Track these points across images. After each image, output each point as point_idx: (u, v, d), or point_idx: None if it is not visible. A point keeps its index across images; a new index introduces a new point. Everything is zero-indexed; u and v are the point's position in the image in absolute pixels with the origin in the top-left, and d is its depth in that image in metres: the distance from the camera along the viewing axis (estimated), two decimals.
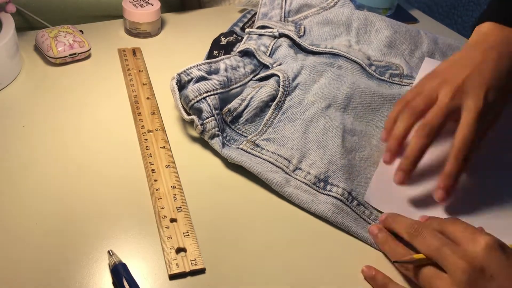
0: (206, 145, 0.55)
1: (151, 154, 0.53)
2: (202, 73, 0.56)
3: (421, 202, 0.50)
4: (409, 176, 0.49)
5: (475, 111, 0.48)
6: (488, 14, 0.58)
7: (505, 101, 0.52)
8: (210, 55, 0.67)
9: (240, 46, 0.66)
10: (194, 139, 0.57)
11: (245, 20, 0.76)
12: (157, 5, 0.73)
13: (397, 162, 0.52)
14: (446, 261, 0.40)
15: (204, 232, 0.46)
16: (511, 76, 0.51)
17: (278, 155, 0.53)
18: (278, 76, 0.59)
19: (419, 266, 0.42)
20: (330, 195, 0.50)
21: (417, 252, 0.43)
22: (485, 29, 0.55)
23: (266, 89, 0.58)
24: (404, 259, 0.43)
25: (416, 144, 0.49)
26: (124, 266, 0.41)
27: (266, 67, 0.64)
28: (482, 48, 0.53)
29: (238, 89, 0.60)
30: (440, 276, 0.40)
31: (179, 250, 0.44)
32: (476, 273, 0.38)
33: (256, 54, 0.64)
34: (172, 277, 0.42)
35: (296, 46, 0.68)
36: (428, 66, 0.67)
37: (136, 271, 0.42)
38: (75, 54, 0.65)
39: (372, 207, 0.50)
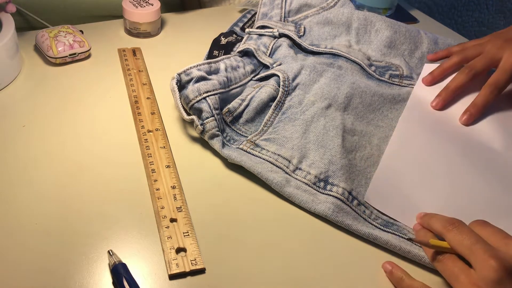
0: (206, 145, 0.55)
1: (151, 154, 0.53)
2: (202, 73, 0.56)
3: (422, 203, 0.50)
4: (445, 104, 0.60)
5: (510, 60, 0.56)
6: None
7: None
8: (210, 55, 0.67)
9: (240, 46, 0.66)
10: (194, 139, 0.57)
11: (245, 20, 0.76)
12: (157, 5, 0.73)
13: (400, 162, 0.53)
14: (476, 257, 0.40)
15: (204, 232, 0.46)
16: None
17: (278, 155, 0.53)
18: (278, 76, 0.59)
19: (441, 253, 0.43)
20: (330, 195, 0.50)
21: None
22: None
23: (266, 89, 0.58)
24: (421, 241, 0.43)
25: (458, 79, 0.60)
26: (124, 266, 0.41)
27: (266, 67, 0.64)
28: None
29: (238, 89, 0.60)
30: (466, 272, 0.40)
31: (179, 250, 0.44)
32: (505, 274, 0.38)
33: (256, 54, 0.64)
34: (172, 277, 0.42)
35: (296, 46, 0.68)
36: (428, 71, 0.66)
37: (136, 271, 0.42)
38: (75, 54, 0.65)
39: (373, 207, 0.50)
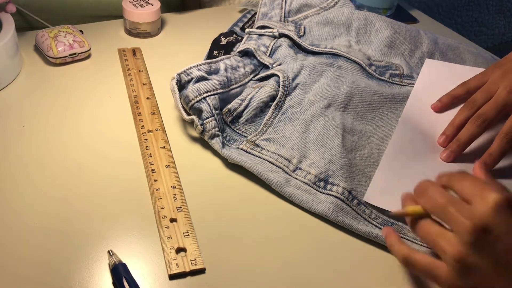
0: (206, 145, 0.55)
1: (151, 154, 0.53)
2: (202, 73, 0.56)
3: None
4: (455, 156, 0.54)
5: None
6: None
7: None
8: (210, 55, 0.67)
9: (240, 46, 0.66)
10: (194, 139, 0.57)
11: (245, 20, 0.76)
12: (157, 5, 0.73)
13: (401, 161, 0.53)
14: (451, 221, 0.38)
15: (204, 232, 0.46)
16: None
17: (278, 155, 0.53)
18: (278, 76, 0.59)
19: (421, 220, 0.41)
20: (330, 195, 0.50)
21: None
22: None
23: (266, 89, 0.58)
24: (398, 211, 0.43)
25: (468, 131, 0.54)
26: (124, 266, 0.41)
27: (266, 67, 0.64)
28: None
29: (238, 89, 0.60)
30: (445, 236, 0.39)
31: (179, 250, 0.44)
32: (482, 233, 0.36)
33: (256, 54, 0.64)
34: (172, 277, 0.42)
35: (296, 46, 0.68)
36: (429, 67, 0.67)
37: (136, 271, 0.42)
38: (75, 54, 0.65)
39: (372, 206, 0.50)
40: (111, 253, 0.42)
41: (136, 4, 0.72)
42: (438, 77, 0.64)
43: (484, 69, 0.59)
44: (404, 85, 0.65)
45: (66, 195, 0.48)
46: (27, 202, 0.47)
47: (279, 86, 0.58)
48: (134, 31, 0.73)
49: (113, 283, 0.41)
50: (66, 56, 0.65)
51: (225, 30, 0.74)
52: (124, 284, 0.40)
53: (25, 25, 0.74)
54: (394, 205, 0.49)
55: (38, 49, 0.67)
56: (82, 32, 0.68)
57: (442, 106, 0.60)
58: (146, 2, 0.73)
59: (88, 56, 0.68)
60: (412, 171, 0.53)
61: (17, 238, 0.44)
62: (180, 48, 0.72)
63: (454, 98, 0.59)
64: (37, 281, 0.41)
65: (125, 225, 0.46)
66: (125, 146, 0.55)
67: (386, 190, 0.51)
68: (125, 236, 0.45)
